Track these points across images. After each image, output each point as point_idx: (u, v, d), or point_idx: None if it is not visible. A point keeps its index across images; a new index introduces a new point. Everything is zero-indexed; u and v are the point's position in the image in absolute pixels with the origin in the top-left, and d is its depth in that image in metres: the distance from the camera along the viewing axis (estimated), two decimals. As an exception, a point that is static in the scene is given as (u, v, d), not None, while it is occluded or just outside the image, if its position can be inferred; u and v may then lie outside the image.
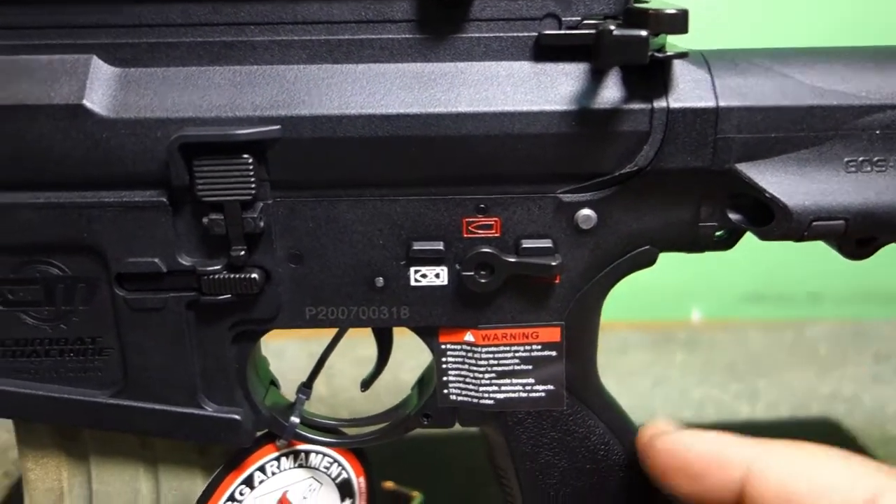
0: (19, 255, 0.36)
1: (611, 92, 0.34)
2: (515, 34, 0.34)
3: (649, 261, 0.38)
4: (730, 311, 0.96)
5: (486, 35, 0.34)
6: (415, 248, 0.36)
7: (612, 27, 0.31)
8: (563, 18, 0.34)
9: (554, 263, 0.36)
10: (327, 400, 0.71)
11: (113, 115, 0.33)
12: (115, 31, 0.34)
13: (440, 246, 0.36)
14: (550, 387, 0.39)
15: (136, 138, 0.33)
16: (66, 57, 0.34)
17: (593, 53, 0.33)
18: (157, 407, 0.38)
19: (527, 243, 0.36)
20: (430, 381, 0.41)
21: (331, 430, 0.43)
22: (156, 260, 0.35)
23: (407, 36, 0.34)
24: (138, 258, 0.35)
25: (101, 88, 0.34)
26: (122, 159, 0.34)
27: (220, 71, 0.34)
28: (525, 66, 0.35)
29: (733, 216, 0.36)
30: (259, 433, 0.41)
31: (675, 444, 0.35)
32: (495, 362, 0.39)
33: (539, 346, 0.38)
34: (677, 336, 0.88)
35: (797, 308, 0.97)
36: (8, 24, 0.34)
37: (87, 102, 0.33)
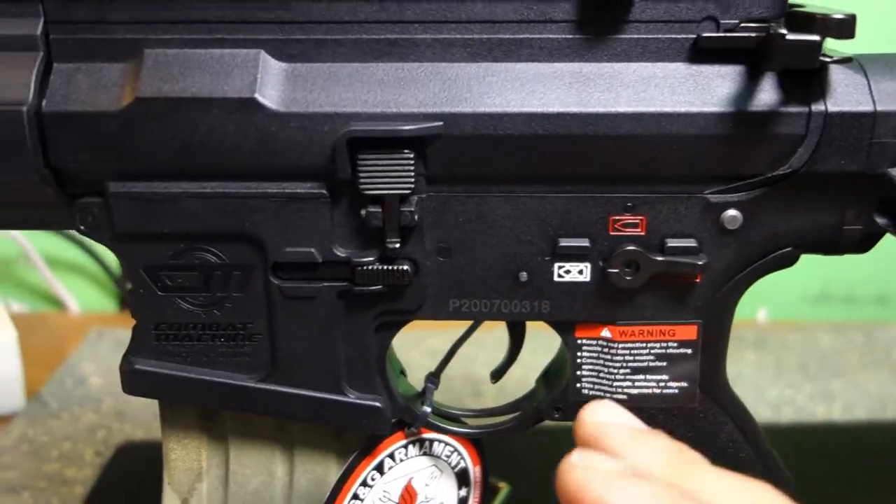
0: (180, 242, 0.37)
1: (768, 95, 0.35)
2: (673, 36, 0.35)
3: (790, 262, 0.38)
4: (796, 311, 0.96)
5: (645, 36, 0.35)
6: (561, 244, 0.37)
7: (783, 31, 0.32)
8: (722, 21, 0.35)
9: (700, 263, 0.37)
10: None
11: (283, 109, 0.34)
12: (285, 28, 0.35)
13: (586, 243, 0.37)
14: (684, 384, 0.40)
15: (303, 132, 0.34)
16: (236, 51, 0.35)
17: (759, 56, 0.34)
18: (303, 392, 0.39)
19: (671, 242, 0.37)
20: (558, 375, 0.42)
21: (455, 420, 0.44)
22: (312, 250, 0.36)
23: (567, 36, 0.35)
24: (296, 248, 0.36)
25: (271, 83, 0.35)
26: (288, 152, 0.35)
27: (383, 67, 0.35)
28: (681, 68, 0.35)
29: (880, 220, 0.37)
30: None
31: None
32: (631, 358, 0.39)
33: (675, 344, 0.39)
34: (746, 336, 0.88)
35: (865, 310, 0.97)
36: (181, 18, 0.35)
37: (258, 96, 0.34)
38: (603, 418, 0.32)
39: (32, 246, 0.94)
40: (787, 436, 0.70)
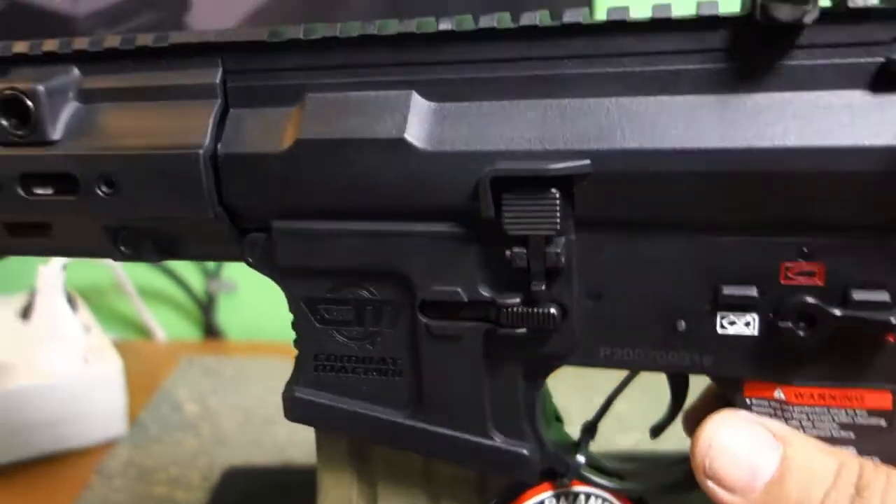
0: (338, 277, 0.38)
1: None
2: (855, 60, 0.31)
3: None
4: None
5: (821, 62, 0.31)
6: (724, 292, 0.34)
7: None
8: None
9: (894, 321, 0.31)
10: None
11: (430, 149, 0.35)
12: (437, 69, 0.35)
13: (753, 292, 0.33)
14: (876, 460, 0.34)
15: (449, 171, 0.34)
16: (389, 93, 0.36)
17: None
18: (447, 432, 0.39)
19: (857, 295, 0.32)
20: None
21: (613, 474, 0.41)
22: (458, 289, 0.36)
23: (728, 65, 0.32)
24: (442, 287, 0.36)
25: (419, 123, 0.35)
26: (434, 191, 0.35)
27: (530, 104, 0.34)
28: (864, 96, 0.31)
29: None
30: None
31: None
32: (809, 424, 0.35)
33: (864, 413, 0.34)
34: None
35: None
36: (343, 63, 0.36)
37: (407, 136, 0.35)
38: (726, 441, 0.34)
39: (126, 276, 0.97)
40: None
